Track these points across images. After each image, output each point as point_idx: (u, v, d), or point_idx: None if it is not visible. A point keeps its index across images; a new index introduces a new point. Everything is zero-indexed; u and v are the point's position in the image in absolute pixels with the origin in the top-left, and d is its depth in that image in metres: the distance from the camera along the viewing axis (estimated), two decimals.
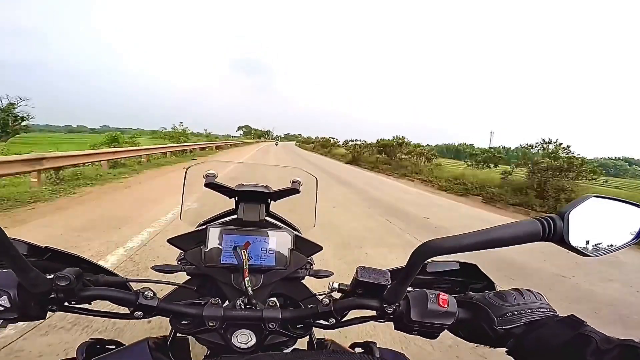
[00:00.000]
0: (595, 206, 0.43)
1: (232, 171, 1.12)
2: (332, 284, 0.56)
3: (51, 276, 0.47)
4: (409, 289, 0.53)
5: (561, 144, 11.37)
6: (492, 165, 25.51)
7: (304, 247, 0.71)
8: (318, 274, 0.76)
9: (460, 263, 0.68)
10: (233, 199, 0.75)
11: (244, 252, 0.64)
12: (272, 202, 0.77)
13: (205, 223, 0.75)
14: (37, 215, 4.43)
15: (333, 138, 48.06)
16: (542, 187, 9.30)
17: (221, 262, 0.66)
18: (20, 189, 5.85)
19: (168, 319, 0.59)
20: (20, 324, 0.51)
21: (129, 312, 0.55)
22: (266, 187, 0.74)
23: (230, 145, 35.67)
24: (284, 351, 0.64)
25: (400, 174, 15.65)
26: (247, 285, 0.60)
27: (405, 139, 20.42)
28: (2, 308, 0.46)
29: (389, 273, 0.51)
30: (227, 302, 0.63)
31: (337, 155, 30.61)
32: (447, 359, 1.97)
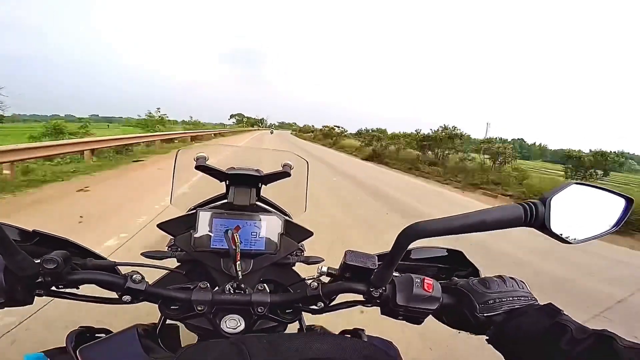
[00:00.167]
0: (577, 193, 0.44)
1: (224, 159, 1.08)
2: (321, 268, 0.57)
3: (39, 260, 0.47)
4: (396, 274, 0.53)
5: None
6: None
7: (295, 233, 0.72)
8: (309, 260, 0.76)
9: (447, 249, 0.69)
10: (224, 183, 0.75)
11: (235, 235, 0.64)
12: (263, 186, 0.77)
13: (195, 207, 0.75)
14: None
15: (338, 127, 38.43)
16: None
17: (211, 246, 0.66)
18: None
19: (157, 308, 0.59)
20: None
21: (117, 297, 0.55)
22: (257, 170, 0.73)
23: (216, 135, 28.31)
24: None
25: (467, 185, 10.21)
26: (237, 270, 0.61)
27: (461, 131, 14.34)
28: None
29: (376, 257, 0.52)
30: (216, 287, 0.63)
31: (346, 148, 24.79)
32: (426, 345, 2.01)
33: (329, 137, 35.59)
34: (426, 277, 0.52)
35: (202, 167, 0.71)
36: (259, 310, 0.56)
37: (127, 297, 0.54)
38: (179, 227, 0.68)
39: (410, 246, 0.46)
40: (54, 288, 0.51)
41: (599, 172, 10.70)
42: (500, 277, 0.54)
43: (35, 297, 0.51)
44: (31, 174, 6.31)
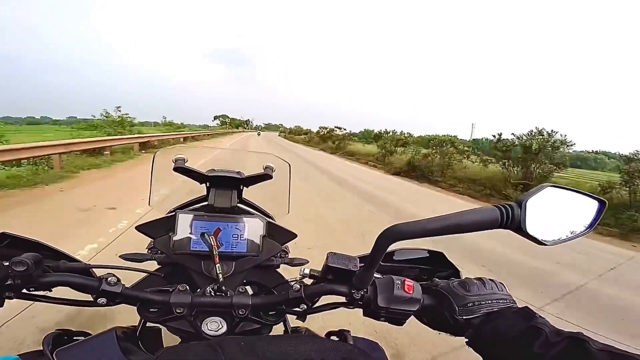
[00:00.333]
0: (552, 195, 0.45)
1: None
2: (304, 270, 0.57)
3: (7, 263, 0.46)
4: (378, 275, 0.54)
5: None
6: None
7: (278, 234, 0.71)
8: (293, 262, 0.76)
9: (429, 251, 0.70)
10: (204, 185, 0.74)
11: (212, 238, 0.63)
12: (244, 188, 0.76)
13: (175, 210, 0.74)
14: None
15: (340, 128, 29.49)
16: None
17: (191, 249, 0.65)
18: None
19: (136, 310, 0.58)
20: None
21: (92, 299, 0.54)
22: (238, 172, 0.73)
23: (187, 139, 22.43)
24: None
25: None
26: (218, 272, 0.60)
27: (564, 137, 9.55)
28: None
29: (358, 259, 0.52)
30: (198, 290, 0.62)
31: (356, 155, 19.37)
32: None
33: (328, 140, 28.79)
34: (407, 279, 0.52)
35: (181, 169, 0.70)
36: (240, 312, 0.55)
37: (102, 300, 0.53)
38: (158, 229, 0.67)
39: (393, 247, 0.46)
40: (25, 291, 0.50)
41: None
42: (480, 279, 0.55)
43: (6, 300, 0.49)
44: None
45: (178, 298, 0.54)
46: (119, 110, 16.48)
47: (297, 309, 0.58)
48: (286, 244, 0.75)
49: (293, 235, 0.73)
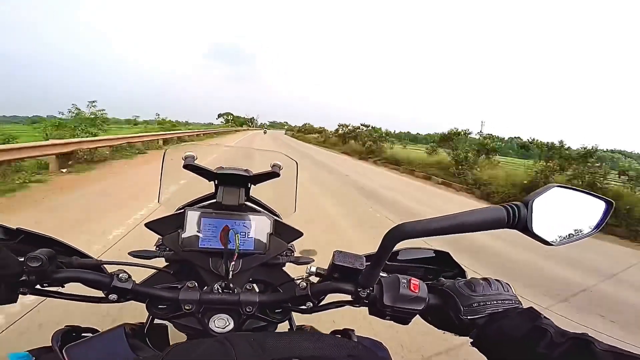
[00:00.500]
0: (558, 196, 0.45)
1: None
2: (310, 268, 0.57)
3: (22, 258, 0.46)
4: (384, 274, 0.54)
5: None
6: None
7: (284, 233, 0.72)
8: (299, 261, 0.77)
9: (434, 250, 0.70)
10: (213, 182, 0.75)
11: (237, 235, 0.63)
12: (252, 186, 0.77)
13: (184, 207, 0.75)
14: None
15: (367, 126, 23.52)
16: None
17: (199, 246, 0.66)
18: None
19: (145, 307, 0.58)
20: None
21: (103, 295, 0.55)
22: (246, 170, 0.73)
23: (181, 138, 18.03)
24: None
25: None
26: (230, 269, 0.61)
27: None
28: None
29: (364, 258, 0.53)
30: (205, 287, 0.63)
31: (408, 165, 13.46)
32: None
33: (351, 140, 23.38)
34: (412, 278, 0.53)
35: (191, 167, 0.71)
36: (248, 309, 0.56)
37: (113, 296, 0.54)
38: (167, 226, 0.68)
39: (398, 247, 0.46)
40: (38, 286, 0.51)
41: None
42: (486, 279, 0.55)
43: (20, 295, 0.50)
44: None
45: (187, 295, 0.55)
46: (94, 106, 12.86)
47: (303, 306, 0.59)
48: (292, 242, 0.75)
49: (299, 234, 0.74)
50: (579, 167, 8.74)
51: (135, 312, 0.60)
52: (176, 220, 0.68)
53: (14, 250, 0.46)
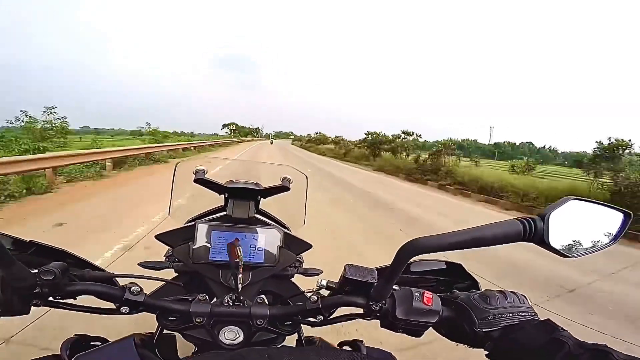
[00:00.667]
0: (575, 208, 0.45)
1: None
2: (321, 281, 0.57)
3: (36, 270, 0.47)
4: (395, 287, 0.53)
5: None
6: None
7: (294, 245, 0.72)
8: (307, 272, 0.76)
9: (447, 262, 0.69)
10: (223, 195, 0.75)
11: (238, 249, 0.64)
12: (262, 199, 0.77)
13: (194, 219, 0.75)
14: None
15: (409, 134, 18.41)
16: None
17: (210, 258, 0.66)
18: None
19: (155, 317, 0.58)
20: None
21: (115, 307, 0.55)
22: (256, 184, 0.74)
23: (171, 152, 15.16)
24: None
25: None
26: (239, 282, 0.61)
27: None
28: None
29: (376, 271, 0.52)
30: (215, 299, 0.63)
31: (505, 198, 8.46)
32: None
33: (384, 153, 18.62)
34: (426, 291, 0.52)
35: (201, 181, 0.72)
36: (258, 322, 0.56)
37: (125, 308, 0.54)
38: (178, 238, 0.68)
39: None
40: (51, 298, 0.51)
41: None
42: (501, 291, 0.54)
43: (32, 307, 0.50)
44: None
45: (198, 307, 0.55)
46: (52, 113, 10.18)
47: (313, 319, 0.58)
48: (300, 254, 0.75)
49: (308, 246, 0.74)
50: None
51: (134, 318, 0.60)
52: (186, 233, 0.68)
53: (26, 262, 0.46)
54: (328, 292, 0.57)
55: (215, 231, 0.68)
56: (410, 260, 0.46)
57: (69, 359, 0.48)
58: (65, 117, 11.51)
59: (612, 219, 0.48)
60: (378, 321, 0.55)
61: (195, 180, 0.72)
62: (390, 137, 19.43)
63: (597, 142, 9.07)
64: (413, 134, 18.33)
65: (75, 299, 0.54)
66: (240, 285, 0.60)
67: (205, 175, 0.72)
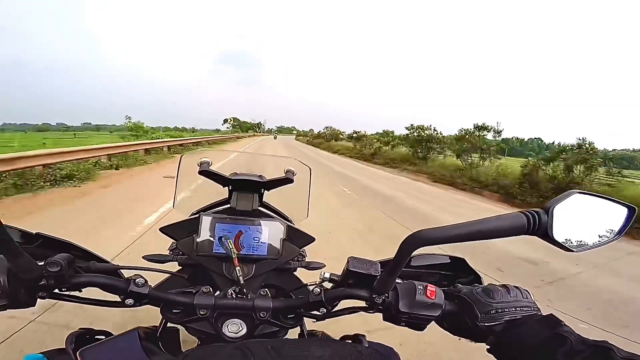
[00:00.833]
0: (579, 202, 0.44)
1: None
2: (324, 274, 0.57)
3: (42, 262, 0.47)
4: (398, 280, 0.53)
5: None
6: None
7: (297, 238, 0.72)
8: (310, 266, 0.77)
9: (450, 256, 0.69)
10: (227, 188, 0.76)
11: (229, 242, 0.64)
12: (265, 191, 0.78)
13: (198, 212, 0.75)
14: None
15: (485, 128, 11.45)
16: None
17: (213, 251, 0.67)
18: None
19: (159, 311, 0.59)
20: None
21: (119, 300, 0.55)
22: (260, 176, 0.74)
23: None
24: None
25: None
26: (238, 275, 0.61)
27: None
28: None
29: (379, 264, 0.53)
30: (218, 292, 0.63)
31: None
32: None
33: (429, 154, 14.44)
34: (429, 284, 0.52)
35: (206, 172, 0.72)
36: (262, 315, 0.56)
37: (130, 301, 0.54)
38: (182, 231, 0.69)
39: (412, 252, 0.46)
40: (56, 291, 0.52)
41: None
42: (504, 286, 0.54)
43: (38, 299, 0.51)
44: None
45: (202, 300, 0.55)
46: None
47: (316, 312, 0.58)
48: (303, 248, 0.75)
49: (311, 239, 0.74)
50: None
51: (135, 312, 0.60)
52: (190, 225, 0.68)
53: (32, 254, 0.46)
54: (331, 285, 0.57)
55: (219, 224, 0.68)
56: (413, 253, 0.46)
57: (74, 353, 0.48)
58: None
59: (616, 213, 0.47)
60: (379, 319, 0.55)
61: (200, 172, 0.72)
62: (455, 134, 13.17)
63: None
64: (491, 129, 11.89)
65: (80, 291, 0.55)
66: (242, 278, 0.61)
67: (210, 167, 0.72)
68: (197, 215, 0.70)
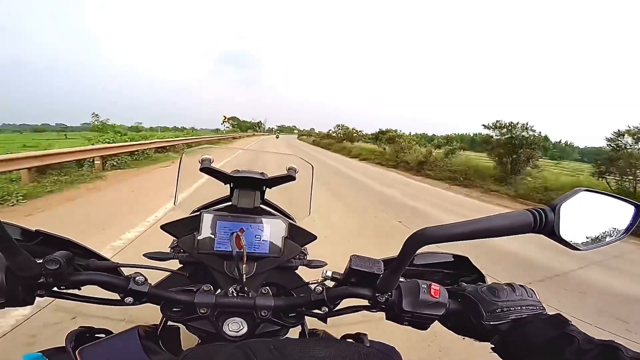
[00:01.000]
0: (586, 200, 0.44)
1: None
2: (326, 272, 0.56)
3: (41, 260, 0.47)
4: (401, 279, 0.53)
5: None
6: None
7: (298, 236, 0.71)
8: (311, 264, 0.76)
9: (453, 255, 0.69)
10: (228, 185, 0.75)
11: (242, 238, 0.63)
12: (267, 189, 0.77)
13: (199, 209, 0.75)
14: None
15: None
16: None
17: (214, 249, 0.66)
18: None
19: (159, 309, 0.58)
20: None
21: (119, 298, 0.55)
22: (262, 173, 0.74)
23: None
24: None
25: None
26: (242, 273, 0.60)
27: None
28: None
29: (382, 262, 0.52)
30: (219, 290, 0.63)
31: None
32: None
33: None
34: (433, 283, 0.52)
35: (207, 170, 0.72)
36: (263, 314, 0.55)
37: (129, 299, 0.54)
38: (183, 228, 0.68)
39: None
40: (55, 289, 0.51)
41: None
42: (509, 285, 0.53)
43: (37, 297, 0.50)
44: None
45: (202, 298, 0.55)
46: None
47: (318, 311, 0.58)
48: (305, 246, 0.75)
49: (313, 237, 0.73)
50: None
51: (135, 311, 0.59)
52: (192, 223, 0.68)
53: (31, 252, 0.46)
54: (333, 283, 0.57)
55: (221, 221, 0.68)
56: (416, 252, 0.45)
57: (74, 351, 0.48)
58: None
59: (623, 211, 0.47)
60: (382, 317, 0.55)
61: (202, 169, 0.72)
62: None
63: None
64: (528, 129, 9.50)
65: (79, 289, 0.54)
66: (244, 276, 0.60)
67: (211, 164, 0.72)
68: (199, 212, 0.69)
